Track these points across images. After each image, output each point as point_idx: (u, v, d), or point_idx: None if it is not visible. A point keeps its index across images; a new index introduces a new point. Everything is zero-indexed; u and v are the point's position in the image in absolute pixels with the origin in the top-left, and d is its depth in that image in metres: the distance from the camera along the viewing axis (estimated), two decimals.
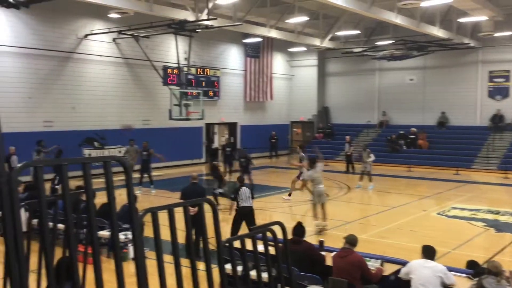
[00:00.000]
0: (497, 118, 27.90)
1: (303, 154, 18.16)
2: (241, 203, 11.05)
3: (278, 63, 33.52)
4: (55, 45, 21.24)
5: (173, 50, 23.81)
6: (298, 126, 35.24)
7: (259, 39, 29.19)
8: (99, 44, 22.80)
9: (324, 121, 34.03)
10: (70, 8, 21.36)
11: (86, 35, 22.34)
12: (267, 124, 32.55)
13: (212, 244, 3.27)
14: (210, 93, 28.18)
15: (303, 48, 31.29)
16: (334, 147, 29.73)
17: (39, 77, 20.83)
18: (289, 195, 17.57)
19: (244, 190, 11.19)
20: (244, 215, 11.08)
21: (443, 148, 27.66)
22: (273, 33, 25.02)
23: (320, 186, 12.68)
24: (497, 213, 15.24)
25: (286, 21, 24.62)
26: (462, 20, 24.24)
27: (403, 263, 7.51)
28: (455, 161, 24.93)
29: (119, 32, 22.45)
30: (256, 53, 31.08)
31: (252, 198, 11.25)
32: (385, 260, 7.71)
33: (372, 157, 20.19)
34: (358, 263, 7.11)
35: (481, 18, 23.54)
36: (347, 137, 25.76)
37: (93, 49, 22.64)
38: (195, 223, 3.54)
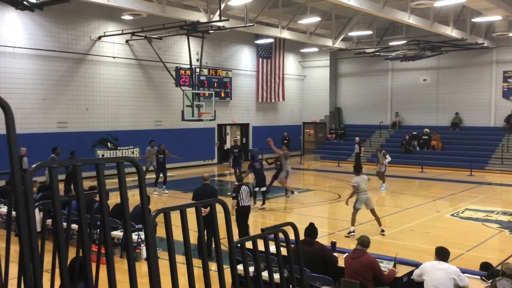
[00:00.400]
0: None
1: (287, 152, 17.81)
2: (241, 202, 11.13)
3: (290, 64, 33.50)
4: (69, 47, 21.42)
5: (185, 51, 23.89)
6: (311, 127, 35.19)
7: (271, 40, 29.20)
8: (112, 45, 22.96)
9: (337, 122, 33.94)
10: (83, 10, 21.52)
11: (99, 37, 22.50)
12: (280, 125, 32.54)
13: (224, 245, 3.28)
14: (222, 94, 28.23)
15: (315, 49, 31.23)
16: (347, 148, 29.64)
17: (53, 78, 21.02)
18: (292, 192, 17.49)
19: (244, 189, 11.26)
20: (244, 214, 11.13)
21: (457, 149, 27.46)
22: (285, 34, 25.01)
23: (365, 193, 12.44)
24: (511, 214, 15.10)
25: (298, 21, 24.60)
26: (476, 20, 24.06)
27: (416, 265, 7.47)
28: (469, 162, 24.72)
29: (132, 33, 22.58)
30: (268, 54, 31.08)
31: (251, 196, 11.37)
32: (398, 261, 7.67)
33: (389, 158, 20.07)
34: (370, 264, 7.08)
35: (495, 18, 23.32)
36: (357, 138, 25.65)
37: (106, 51, 22.80)
38: (207, 223, 3.54)
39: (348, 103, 34.10)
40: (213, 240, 9.90)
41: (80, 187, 2.10)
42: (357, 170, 12.77)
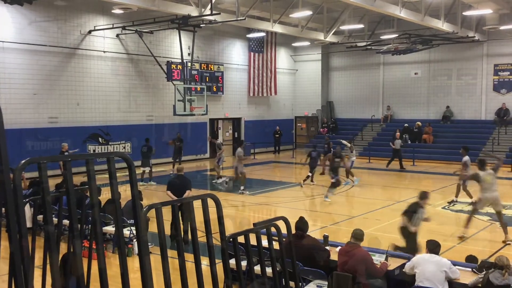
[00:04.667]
0: (502, 112, 27.79)
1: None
2: None
3: (282, 57, 33.44)
4: (59, 41, 21.25)
5: (176, 46, 23.81)
6: (303, 121, 35.18)
7: (263, 34, 29.13)
8: (102, 40, 22.79)
9: (328, 116, 33.98)
10: (73, 4, 21.35)
11: (89, 31, 22.33)
12: (272, 119, 32.51)
13: (216, 239, 3.26)
14: (214, 89, 28.17)
15: (307, 43, 31.19)
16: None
17: (43, 73, 20.86)
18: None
19: None
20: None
21: (448, 142, 27.56)
22: (277, 28, 24.96)
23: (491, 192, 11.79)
24: (502, 207, 15.16)
25: (290, 15, 24.54)
26: (467, 13, 24.11)
27: (408, 258, 7.51)
28: (460, 155, 24.76)
29: (123, 27, 22.45)
30: (260, 47, 31.02)
31: None
32: (389, 254, 7.70)
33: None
34: (363, 258, 7.08)
35: (486, 11, 23.40)
36: (398, 134, 24.71)
37: (97, 45, 22.64)
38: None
39: (340, 96, 34.13)
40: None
41: (70, 183, 2.08)
42: (482, 165, 12.24)
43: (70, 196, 2.06)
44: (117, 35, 23.32)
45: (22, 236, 1.71)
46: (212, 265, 2.83)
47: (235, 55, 30.04)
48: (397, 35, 27.98)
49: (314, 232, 10.42)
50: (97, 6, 21.84)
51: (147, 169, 19.29)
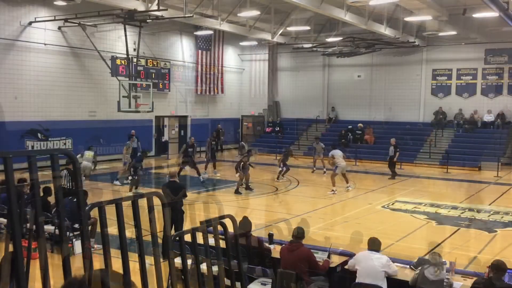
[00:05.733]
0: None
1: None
2: None
3: (230, 56, 33.41)
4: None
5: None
6: (249, 120, 35.21)
7: (211, 32, 28.89)
8: (43, 32, 21.73)
9: (275, 116, 34.32)
10: None
11: (30, 23, 21.26)
12: (218, 118, 32.36)
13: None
14: (161, 85, 27.85)
15: (255, 42, 31.21)
16: (284, 141, 30.13)
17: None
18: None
19: None
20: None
21: (387, 143, 28.35)
22: (225, 26, 24.96)
23: None
24: (438, 206, 15.88)
25: (238, 14, 24.55)
26: (408, 19, 24.61)
27: (350, 255, 7.81)
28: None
29: (65, 20, 21.50)
30: (207, 45, 30.92)
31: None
32: (332, 252, 7.94)
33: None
34: (306, 256, 7.29)
35: (426, 18, 24.01)
36: (392, 140, 23.26)
37: (37, 37, 21.71)
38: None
39: (286, 96, 34.51)
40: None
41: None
42: None
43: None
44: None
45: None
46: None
47: (183, 52, 29.79)
48: (341, 38, 28.48)
49: (259, 230, 10.58)
50: None
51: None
